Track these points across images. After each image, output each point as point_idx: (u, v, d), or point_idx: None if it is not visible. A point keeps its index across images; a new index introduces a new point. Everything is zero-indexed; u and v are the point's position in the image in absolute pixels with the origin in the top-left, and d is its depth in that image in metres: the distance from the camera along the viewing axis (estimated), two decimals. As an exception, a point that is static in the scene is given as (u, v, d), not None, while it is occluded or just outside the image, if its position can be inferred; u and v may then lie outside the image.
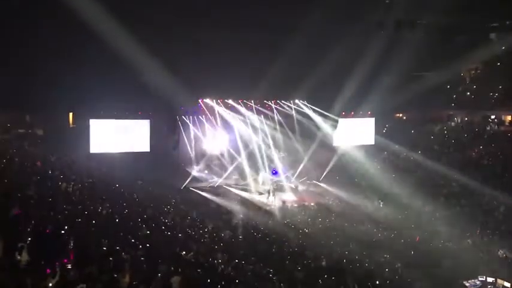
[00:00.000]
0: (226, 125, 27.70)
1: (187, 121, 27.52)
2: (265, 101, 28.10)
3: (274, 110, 28.38)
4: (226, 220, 18.70)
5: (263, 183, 26.91)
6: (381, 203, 22.85)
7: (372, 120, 29.91)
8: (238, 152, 27.41)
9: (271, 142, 28.10)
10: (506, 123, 28.12)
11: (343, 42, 22.36)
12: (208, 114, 27.07)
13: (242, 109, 27.47)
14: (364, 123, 29.97)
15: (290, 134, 28.37)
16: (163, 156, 25.92)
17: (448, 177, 22.88)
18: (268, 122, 28.17)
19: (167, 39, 21.74)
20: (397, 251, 15.51)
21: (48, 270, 6.58)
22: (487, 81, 29.12)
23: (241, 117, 27.57)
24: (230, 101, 27.10)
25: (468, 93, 30.37)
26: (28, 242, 7.37)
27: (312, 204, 23.93)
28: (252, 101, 27.60)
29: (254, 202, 23.89)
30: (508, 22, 23.38)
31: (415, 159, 26.24)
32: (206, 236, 14.85)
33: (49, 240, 8.24)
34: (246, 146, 27.69)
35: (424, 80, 26.81)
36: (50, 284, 6.32)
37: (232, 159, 27.68)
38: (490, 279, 13.42)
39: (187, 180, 25.76)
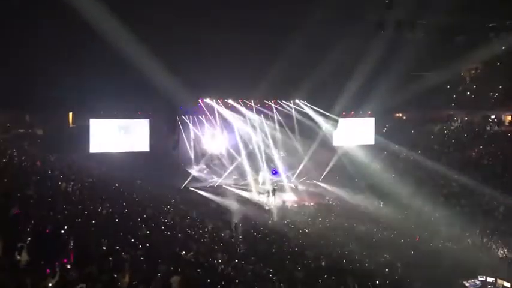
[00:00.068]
0: (226, 124, 27.71)
1: (187, 121, 27.54)
2: (265, 101, 28.10)
3: (274, 110, 28.39)
4: (226, 220, 18.69)
5: (263, 183, 26.91)
6: (381, 203, 22.85)
7: (372, 120, 29.93)
8: (238, 152, 27.44)
9: (271, 142, 28.11)
10: (506, 123, 28.10)
11: (343, 42, 22.34)
12: (208, 114, 27.08)
13: (242, 109, 27.47)
14: (364, 123, 29.98)
15: (290, 133, 28.39)
16: (163, 156, 25.94)
17: (448, 177, 22.89)
18: (268, 122, 28.18)
19: (167, 39, 21.72)
20: (397, 251, 15.49)
21: (48, 270, 6.57)
22: (487, 81, 29.10)
23: (241, 117, 27.58)
24: (230, 101, 27.10)
25: (468, 93, 30.35)
26: (28, 241, 7.35)
27: (312, 204, 23.94)
28: (252, 101, 27.60)
29: (254, 202, 23.89)
30: (508, 22, 23.33)
31: (415, 159, 26.24)
32: (206, 235, 14.84)
33: (49, 240, 8.23)
34: (246, 145, 27.71)
35: (424, 80, 26.79)
36: (50, 284, 6.30)
37: (232, 159, 27.70)
38: (490, 279, 13.42)
39: (187, 180, 25.77)
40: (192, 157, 27.86)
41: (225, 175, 27.04)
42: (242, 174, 27.40)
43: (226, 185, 26.62)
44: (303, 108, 28.70)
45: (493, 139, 26.01)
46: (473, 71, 30.36)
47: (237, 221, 18.08)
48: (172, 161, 26.80)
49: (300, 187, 27.37)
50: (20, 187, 11.84)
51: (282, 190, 26.35)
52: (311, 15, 22.20)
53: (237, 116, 27.47)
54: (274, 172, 27.98)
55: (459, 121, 29.82)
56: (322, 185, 27.75)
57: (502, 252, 16.24)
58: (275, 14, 22.80)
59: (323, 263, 13.06)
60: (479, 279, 13.44)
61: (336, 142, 29.29)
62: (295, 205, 23.87)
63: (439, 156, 25.68)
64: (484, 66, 29.27)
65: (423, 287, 12.73)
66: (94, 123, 24.36)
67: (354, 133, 29.66)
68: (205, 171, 27.82)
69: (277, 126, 28.27)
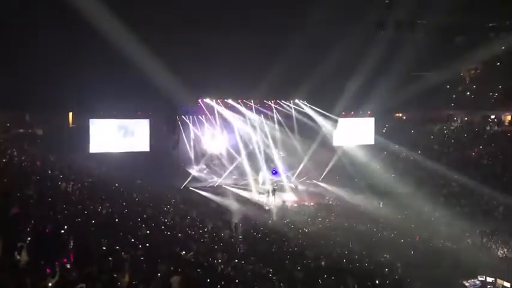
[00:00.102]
0: (226, 124, 27.72)
1: (187, 121, 27.55)
2: (265, 101, 28.11)
3: (274, 110, 28.39)
4: (226, 220, 18.70)
5: (263, 183, 26.91)
6: (381, 203, 22.85)
7: (372, 120, 29.93)
8: (238, 152, 27.43)
9: (271, 142, 28.11)
10: (506, 123, 28.11)
11: (343, 42, 22.33)
12: (208, 114, 27.08)
13: (242, 108, 27.48)
14: (364, 123, 29.99)
15: (290, 133, 28.39)
16: (163, 156, 25.93)
17: (447, 177, 22.91)
18: (268, 122, 28.19)
19: (167, 39, 21.72)
20: (397, 251, 15.51)
21: (48, 270, 6.57)
22: (487, 81, 29.11)
23: (241, 117, 27.58)
24: (230, 101, 27.10)
25: (468, 93, 30.36)
26: (28, 241, 7.35)
27: (312, 204, 23.95)
28: (252, 101, 27.60)
29: (254, 202, 23.89)
30: (508, 22, 23.33)
31: (414, 159, 26.24)
32: (206, 235, 14.84)
33: (49, 240, 8.23)
34: (246, 145, 27.71)
35: (424, 80, 26.80)
36: (50, 284, 6.29)
37: (232, 159, 27.70)
38: (489, 279, 13.43)
39: (187, 180, 25.78)
40: (192, 157, 27.87)
41: (225, 175, 27.05)
42: (242, 174, 27.40)
43: (226, 185, 26.62)
44: (303, 109, 28.71)
45: (493, 139, 26.03)
46: (473, 71, 30.37)
47: (237, 221, 18.09)
48: (172, 161, 26.80)
49: (300, 187, 27.37)
50: (20, 187, 11.84)
51: (282, 190, 26.36)
52: (311, 15, 22.20)
53: (237, 116, 27.48)
54: (274, 172, 27.98)
55: (459, 121, 29.83)
56: (322, 185, 27.75)
57: (501, 252, 16.26)
58: (275, 14, 22.81)
59: (323, 263, 13.06)
60: (479, 279, 13.45)
61: (335, 142, 29.30)
62: (295, 205, 23.88)
63: (439, 156, 25.68)
64: (484, 66, 29.27)
65: (423, 287, 12.76)
66: (94, 123, 24.37)
67: (354, 133, 29.66)
68: (205, 171, 27.83)
69: (277, 126, 28.28)
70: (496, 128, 27.48)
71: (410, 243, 16.80)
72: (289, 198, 25.07)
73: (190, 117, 27.58)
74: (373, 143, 29.72)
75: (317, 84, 24.43)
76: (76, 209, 12.18)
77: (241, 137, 27.68)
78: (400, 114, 33.53)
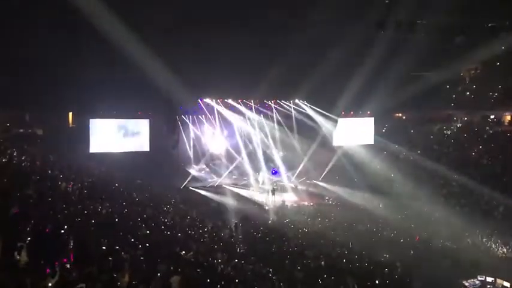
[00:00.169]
0: (226, 124, 27.73)
1: (187, 121, 27.57)
2: (265, 101, 28.12)
3: (274, 110, 28.40)
4: (226, 220, 18.70)
5: (263, 183, 26.93)
6: (381, 203, 22.84)
7: (372, 120, 29.93)
8: (238, 152, 27.44)
9: (271, 142, 28.12)
10: (506, 123, 28.12)
11: (343, 43, 22.34)
12: (208, 114, 27.09)
13: (242, 108, 27.48)
14: (364, 123, 29.99)
15: (290, 133, 28.40)
16: (163, 156, 25.94)
17: (447, 177, 22.91)
18: (268, 122, 28.20)
19: (167, 39, 21.71)
20: (397, 251, 15.51)
21: (48, 270, 6.57)
22: (486, 81, 29.12)
23: (241, 117, 27.59)
24: (230, 101, 27.11)
25: (468, 93, 30.36)
26: (27, 241, 7.35)
27: (312, 204, 23.96)
28: (252, 101, 27.61)
29: (254, 202, 23.90)
30: (508, 22, 23.33)
31: (414, 159, 26.24)
32: (206, 235, 14.85)
33: (48, 239, 8.22)
34: (246, 145, 27.71)
35: (424, 80, 26.79)
36: (50, 284, 6.29)
37: (232, 158, 27.71)
38: (489, 279, 13.45)
39: (187, 180, 25.79)
40: (192, 157, 27.87)
41: (225, 175, 27.06)
42: (242, 174, 27.40)
43: (226, 184, 26.64)
44: (302, 108, 28.71)
45: (493, 139, 26.05)
46: (473, 71, 30.37)
47: (237, 221, 18.10)
48: (172, 160, 26.82)
49: (300, 187, 27.38)
50: (20, 187, 11.83)
51: (282, 190, 26.37)
52: (311, 15, 22.19)
53: (237, 115, 27.49)
54: (274, 172, 27.98)
55: (459, 121, 29.83)
56: (322, 184, 27.76)
57: (501, 252, 16.26)
58: (275, 14, 22.81)
59: (323, 263, 13.05)
60: (479, 279, 13.47)
61: (335, 142, 29.30)
62: (295, 205, 23.90)
63: (438, 156, 25.69)
64: (484, 66, 29.28)
65: (423, 287, 12.75)
66: (94, 123, 24.37)
67: (354, 133, 29.66)
68: (205, 171, 27.84)
69: (276, 126, 28.28)
70: (495, 128, 27.49)
71: (410, 243, 16.81)
72: (289, 198, 25.09)
73: (190, 117, 27.61)
74: (372, 143, 29.70)
75: (317, 84, 24.42)
76: (76, 208, 12.17)
77: (241, 136, 27.69)
78: (400, 114, 33.53)
